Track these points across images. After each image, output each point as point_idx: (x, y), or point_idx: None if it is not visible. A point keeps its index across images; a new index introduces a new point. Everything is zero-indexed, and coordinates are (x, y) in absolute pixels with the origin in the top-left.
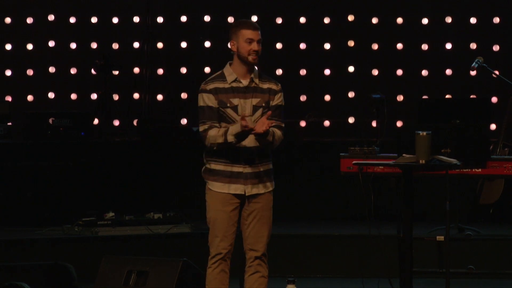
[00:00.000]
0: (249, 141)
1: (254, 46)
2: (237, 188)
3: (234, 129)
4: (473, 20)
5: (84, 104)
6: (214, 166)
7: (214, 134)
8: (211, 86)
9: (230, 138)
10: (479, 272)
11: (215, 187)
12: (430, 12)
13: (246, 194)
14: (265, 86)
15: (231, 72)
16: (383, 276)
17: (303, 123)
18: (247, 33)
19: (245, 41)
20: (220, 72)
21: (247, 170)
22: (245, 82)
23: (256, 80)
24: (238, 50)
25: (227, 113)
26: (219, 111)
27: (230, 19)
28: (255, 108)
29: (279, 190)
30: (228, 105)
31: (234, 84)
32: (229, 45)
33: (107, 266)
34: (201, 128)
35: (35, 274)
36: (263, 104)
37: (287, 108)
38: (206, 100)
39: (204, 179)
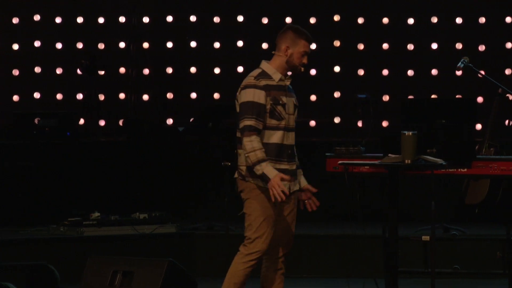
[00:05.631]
0: (292, 139)
1: (306, 59)
2: (284, 185)
3: (268, 171)
4: (458, 20)
5: (70, 104)
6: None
7: (257, 148)
8: (263, 82)
9: (259, 169)
10: (464, 272)
11: (265, 184)
12: (416, 12)
13: (291, 191)
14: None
15: (274, 71)
16: (369, 276)
17: None
18: (306, 46)
19: (301, 53)
20: (260, 70)
21: (291, 167)
22: (287, 82)
23: (289, 80)
24: (291, 56)
25: (278, 110)
26: (270, 108)
27: (216, 19)
28: (295, 107)
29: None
30: (280, 102)
31: (280, 83)
32: (280, 46)
33: (92, 266)
34: (247, 122)
35: (20, 274)
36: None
37: None
38: (258, 95)
39: (244, 178)
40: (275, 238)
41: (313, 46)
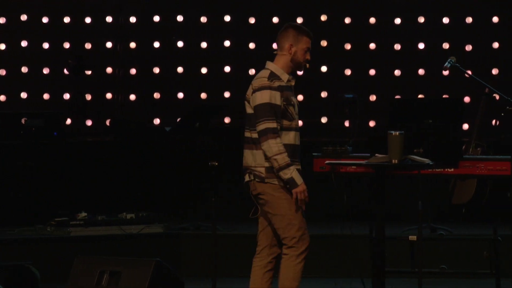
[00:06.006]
0: (299, 139)
1: (309, 55)
2: None
3: (297, 177)
4: (445, 20)
5: (56, 104)
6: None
7: (282, 150)
8: (276, 83)
9: (287, 173)
10: (451, 272)
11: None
12: (403, 12)
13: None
14: None
15: (282, 71)
16: (356, 276)
17: None
18: (308, 42)
19: (304, 49)
20: (268, 71)
21: (300, 167)
22: (292, 82)
23: (294, 81)
24: (295, 54)
25: (290, 111)
26: (283, 109)
27: (203, 19)
28: (298, 108)
29: None
30: (291, 102)
31: (288, 83)
32: (283, 45)
33: (79, 266)
34: (270, 125)
35: (3, 274)
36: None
37: None
38: (275, 97)
39: (264, 179)
40: (274, 237)
41: (324, 43)
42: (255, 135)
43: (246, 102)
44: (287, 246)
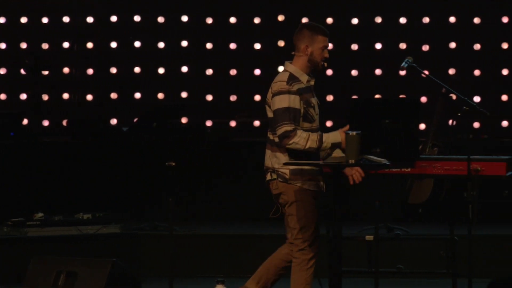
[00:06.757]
0: None
1: (327, 53)
2: (321, 186)
3: (333, 138)
4: (402, 20)
5: (13, 104)
6: (305, 166)
7: (307, 137)
8: (295, 86)
9: (326, 146)
10: (408, 272)
11: (311, 186)
12: (360, 12)
13: (324, 191)
14: None
15: (301, 73)
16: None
17: (233, 123)
18: (324, 40)
19: (321, 48)
20: (288, 73)
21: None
22: (312, 82)
23: (313, 80)
24: (312, 54)
25: (310, 113)
26: (304, 112)
27: (161, 19)
28: (318, 106)
29: (210, 191)
30: (311, 104)
31: (307, 84)
32: (299, 46)
33: (36, 267)
34: (287, 128)
35: None
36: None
37: (218, 108)
38: (293, 101)
39: (287, 180)
40: None
41: (282, 43)
42: (277, 139)
43: (266, 106)
44: (298, 248)
